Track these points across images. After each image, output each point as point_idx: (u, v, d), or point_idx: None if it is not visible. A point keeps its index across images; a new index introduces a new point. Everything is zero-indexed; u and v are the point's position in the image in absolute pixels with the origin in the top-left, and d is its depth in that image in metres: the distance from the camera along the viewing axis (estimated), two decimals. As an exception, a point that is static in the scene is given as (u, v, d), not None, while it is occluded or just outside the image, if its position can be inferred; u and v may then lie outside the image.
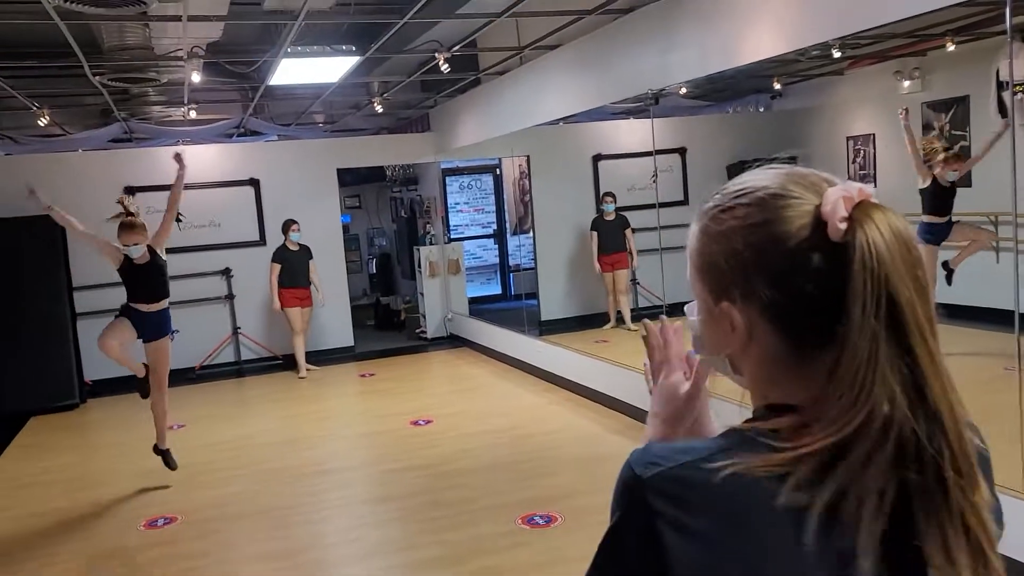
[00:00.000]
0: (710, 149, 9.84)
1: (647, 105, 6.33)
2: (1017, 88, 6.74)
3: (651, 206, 8.09)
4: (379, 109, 9.00)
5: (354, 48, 6.29)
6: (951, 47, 7.14)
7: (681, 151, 9.77)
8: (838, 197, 0.79)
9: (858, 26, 4.21)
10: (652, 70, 5.60)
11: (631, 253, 8.99)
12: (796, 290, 0.81)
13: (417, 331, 10.69)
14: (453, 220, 12.27)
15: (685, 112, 10.31)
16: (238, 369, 9.43)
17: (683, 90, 7.77)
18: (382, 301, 12.02)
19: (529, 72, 7.48)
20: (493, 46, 7.06)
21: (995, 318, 6.26)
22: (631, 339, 8.32)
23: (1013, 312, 3.54)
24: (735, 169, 9.77)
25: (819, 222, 0.80)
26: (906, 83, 8.21)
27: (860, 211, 0.79)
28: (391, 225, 12.66)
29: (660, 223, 7.94)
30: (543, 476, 5.09)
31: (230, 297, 9.42)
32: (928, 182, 5.91)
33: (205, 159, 9.47)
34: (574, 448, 5.60)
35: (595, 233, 8.84)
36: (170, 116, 9.25)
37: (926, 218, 5.91)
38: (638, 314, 9.39)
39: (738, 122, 10.35)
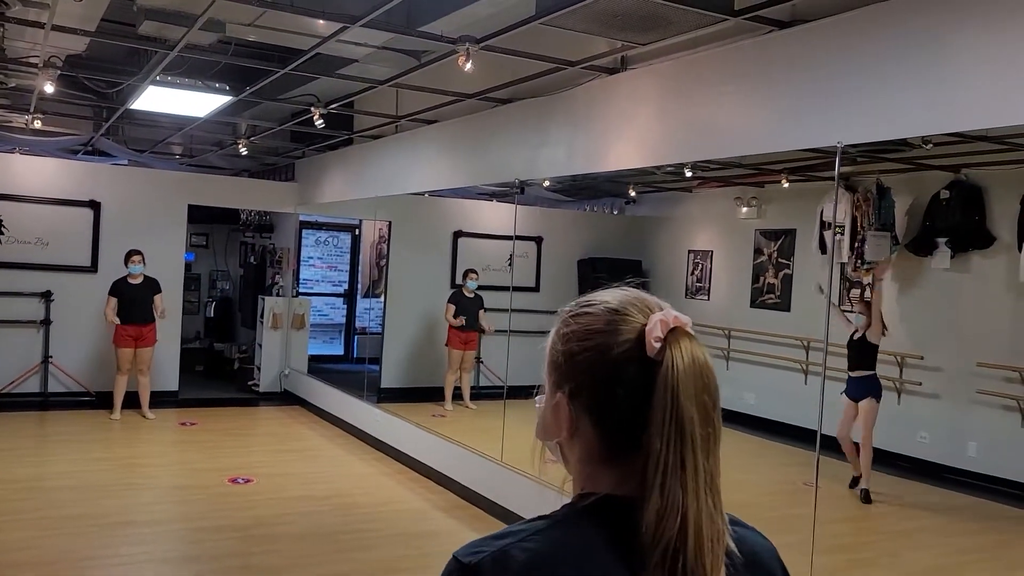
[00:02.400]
0: (565, 242, 10.26)
1: (512, 192, 6.57)
2: (838, 229, 7.55)
3: (505, 288, 8.30)
4: (243, 151, 8.80)
5: (228, 87, 6.17)
6: (785, 184, 7.92)
7: (538, 240, 10.13)
8: (658, 320, 0.91)
9: (708, 155, 4.61)
10: (522, 161, 5.84)
11: (482, 332, 9.07)
12: (614, 395, 0.92)
13: (249, 383, 10.23)
14: (304, 274, 12.01)
15: (545, 203, 10.75)
16: (42, 402, 8.64)
17: (546, 183, 8.14)
18: (216, 347, 11.45)
19: (402, 141, 7.60)
20: (370, 110, 7.13)
21: (803, 435, 6.77)
22: (469, 417, 8.38)
23: (816, 432, 3.88)
24: (585, 264, 10.24)
25: (642, 339, 0.92)
26: (744, 209, 8.98)
27: (672, 335, 0.91)
28: (238, 270, 12.20)
29: (512, 306, 8.16)
30: (362, 549, 4.96)
31: (46, 322, 8.70)
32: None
33: (42, 173, 8.85)
34: (398, 523, 5.50)
35: (452, 306, 8.82)
36: (10, 122, 8.62)
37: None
38: (478, 392, 9.48)
39: (593, 220, 10.89)
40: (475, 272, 8.59)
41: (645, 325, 0.92)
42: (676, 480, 0.85)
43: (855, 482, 6.14)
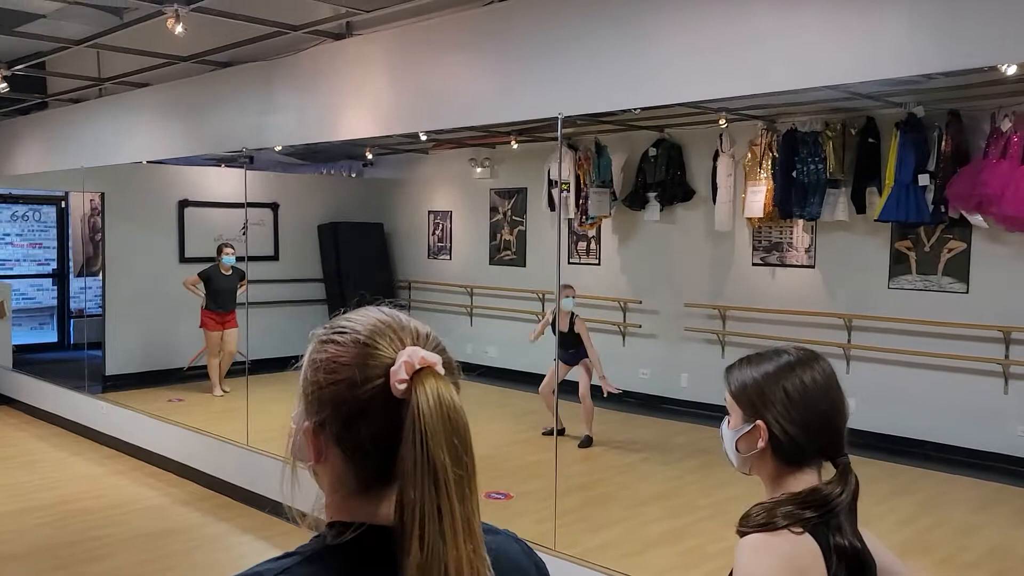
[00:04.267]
0: (303, 207, 9.94)
1: (241, 164, 6.22)
2: (563, 187, 8.05)
3: (240, 259, 7.90)
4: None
5: None
6: (515, 145, 8.28)
7: (274, 206, 9.71)
8: (403, 361, 0.88)
9: (440, 124, 4.68)
10: (248, 129, 5.53)
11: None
12: (360, 433, 0.89)
13: (-62, 385, 8.85)
14: (1, 254, 10.55)
15: (279, 167, 10.30)
16: None
17: (278, 147, 7.80)
18: None
19: (110, 106, 6.86)
20: (68, 72, 6.34)
21: (539, 381, 7.17)
22: (210, 398, 7.92)
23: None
24: (326, 229, 10.02)
25: (388, 378, 0.89)
26: (478, 169, 9.26)
27: (419, 377, 0.88)
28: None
29: (250, 277, 7.78)
30: (93, 561, 4.54)
31: None
32: None
33: None
34: (136, 524, 5.10)
35: (203, 283, 8.14)
36: None
37: None
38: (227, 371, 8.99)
39: (331, 184, 10.64)
40: (231, 247, 8.08)
41: (393, 363, 0.88)
42: (435, 529, 0.83)
43: (550, 431, 6.34)
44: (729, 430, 1.39)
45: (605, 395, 6.24)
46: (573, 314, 6.37)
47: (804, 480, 1.31)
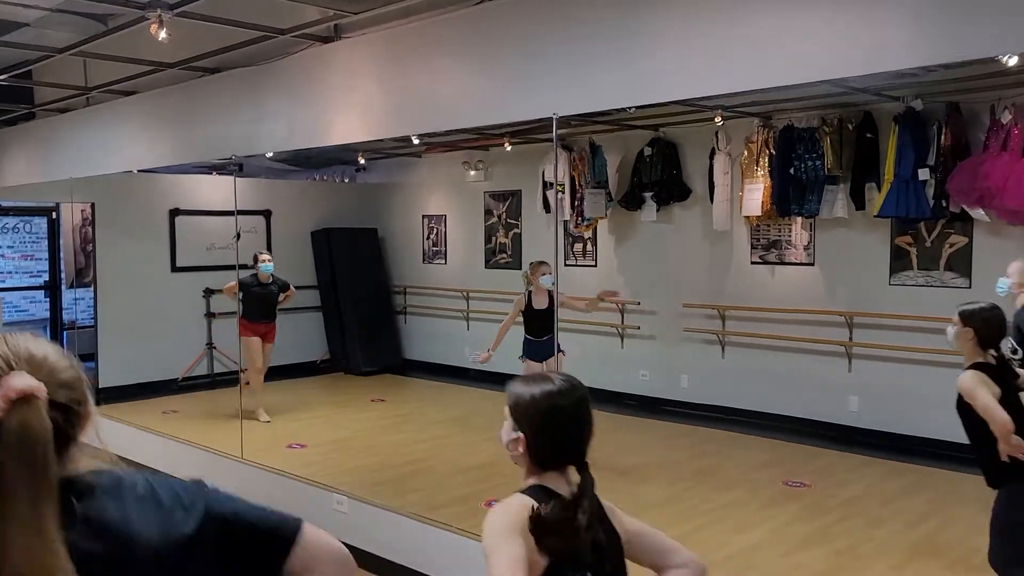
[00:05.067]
0: (296, 214, 9.84)
1: (231, 171, 6.13)
2: (559, 188, 7.97)
3: (232, 267, 7.80)
4: None
5: None
6: (508, 147, 8.19)
7: (266, 213, 9.61)
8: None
9: (432, 127, 4.60)
10: (238, 135, 5.45)
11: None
12: None
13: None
14: (-8, 267, 10.45)
15: (271, 174, 10.21)
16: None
17: (269, 153, 7.70)
18: None
19: (97, 115, 6.76)
20: (54, 81, 6.25)
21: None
22: (205, 410, 7.82)
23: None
24: (320, 236, 9.92)
25: None
26: (472, 172, 9.17)
27: (14, 404, 1.02)
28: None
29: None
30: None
31: None
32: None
33: None
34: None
35: (243, 294, 7.35)
36: None
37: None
38: (215, 380, 8.89)
39: (324, 190, 10.54)
40: (267, 254, 7.50)
41: None
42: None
43: None
44: (503, 433, 1.72)
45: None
46: (551, 292, 5.86)
47: (549, 478, 1.69)
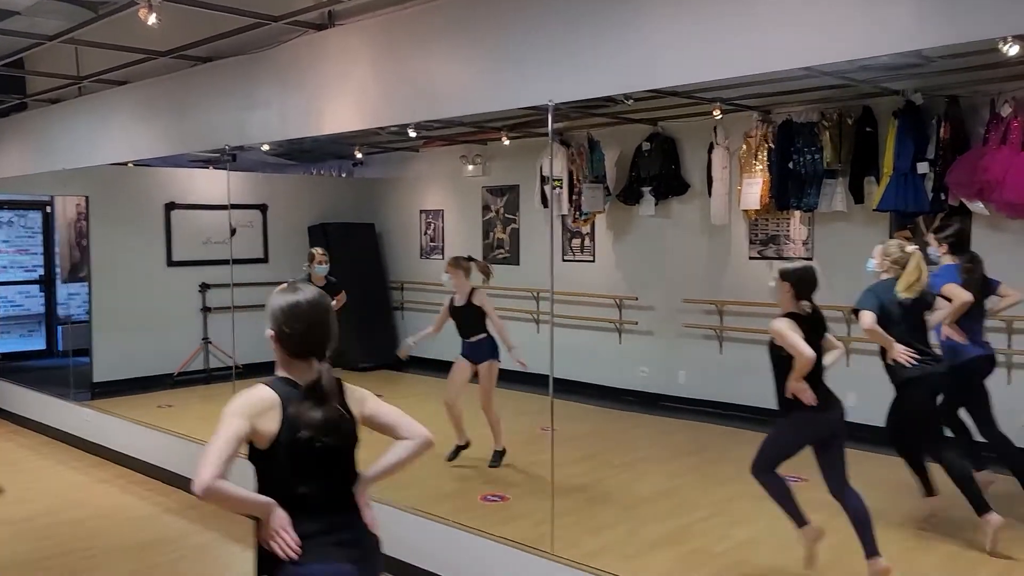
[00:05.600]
0: (292, 208, 9.79)
1: (224, 160, 6.07)
2: (556, 183, 7.92)
3: (227, 262, 7.74)
4: None
5: None
6: (506, 141, 8.14)
7: (262, 208, 9.56)
8: None
9: (428, 115, 4.54)
10: (230, 125, 5.39)
11: None
12: None
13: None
14: (-15, 261, 10.39)
15: (267, 168, 10.15)
16: None
17: (265, 147, 7.64)
18: None
19: (90, 105, 6.70)
20: (46, 70, 6.19)
21: (538, 381, 7.09)
22: (200, 404, 7.77)
23: (549, 377, 4.03)
24: (316, 231, 9.86)
25: None
26: (470, 167, 9.11)
27: None
28: None
29: (234, 280, 7.61)
30: (76, 573, 4.39)
31: None
32: None
33: None
34: (122, 535, 4.94)
35: None
36: None
37: None
38: (210, 375, 8.83)
39: (321, 184, 10.48)
40: (323, 252, 6.91)
41: None
42: None
43: (456, 453, 5.71)
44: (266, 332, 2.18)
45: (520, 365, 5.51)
46: (473, 289, 5.63)
47: (295, 369, 2.16)
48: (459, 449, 5.74)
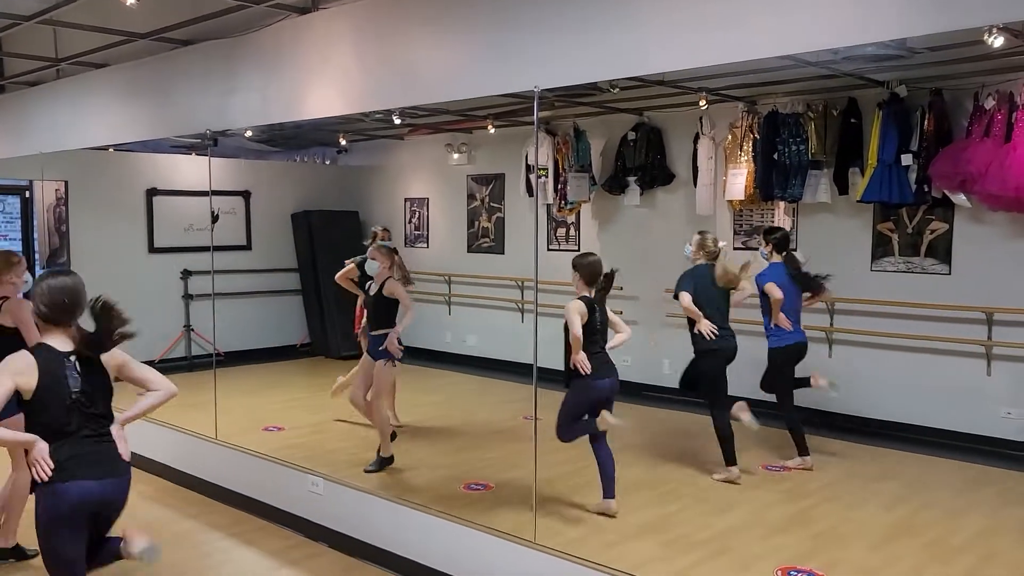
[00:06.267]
0: (275, 195, 9.70)
1: (206, 144, 6.00)
2: (541, 172, 7.89)
3: (208, 249, 7.67)
4: None
5: None
6: (491, 129, 8.09)
7: (245, 194, 9.47)
8: None
9: (412, 101, 4.49)
10: (211, 109, 5.32)
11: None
12: None
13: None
14: (-38, 247, 10.23)
15: (251, 155, 10.06)
16: None
17: (248, 133, 7.57)
18: None
19: (68, 88, 6.60)
20: (22, 52, 6.09)
21: (523, 370, 7.06)
22: (181, 391, 7.69)
23: (532, 366, 4.01)
24: (300, 218, 9.79)
25: None
26: (455, 155, 9.07)
27: None
28: None
29: (221, 267, 7.56)
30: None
31: None
32: None
33: None
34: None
35: (356, 269, 6.51)
36: None
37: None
38: (192, 363, 8.75)
39: (304, 171, 10.40)
40: (387, 230, 6.66)
41: None
42: None
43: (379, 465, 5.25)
44: None
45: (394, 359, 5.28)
46: (388, 279, 5.41)
47: (54, 337, 2.81)
48: (392, 436, 5.43)
